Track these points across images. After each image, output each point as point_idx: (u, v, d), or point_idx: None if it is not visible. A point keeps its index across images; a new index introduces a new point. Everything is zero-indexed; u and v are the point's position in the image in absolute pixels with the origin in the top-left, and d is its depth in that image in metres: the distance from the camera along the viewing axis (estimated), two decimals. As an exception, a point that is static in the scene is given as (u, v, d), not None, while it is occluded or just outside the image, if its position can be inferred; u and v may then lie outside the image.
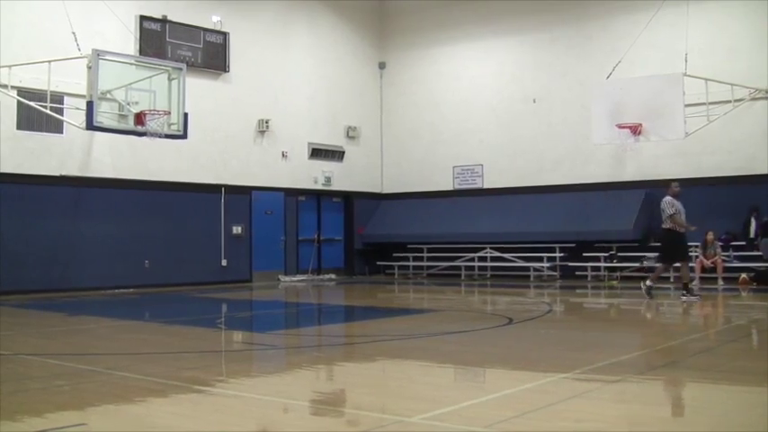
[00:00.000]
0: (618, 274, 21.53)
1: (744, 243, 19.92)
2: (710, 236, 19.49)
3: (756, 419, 5.80)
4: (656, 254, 18.03)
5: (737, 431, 5.60)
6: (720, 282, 19.23)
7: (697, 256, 19.77)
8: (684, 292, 15.38)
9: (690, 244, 16.99)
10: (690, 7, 19.45)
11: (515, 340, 10.77)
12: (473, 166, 25.23)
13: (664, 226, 15.61)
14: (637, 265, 21.19)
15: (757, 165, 20.19)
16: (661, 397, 6.91)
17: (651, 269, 20.47)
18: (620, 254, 21.68)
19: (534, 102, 24.03)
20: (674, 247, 15.69)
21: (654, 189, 21.53)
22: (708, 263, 19.47)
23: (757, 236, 19.67)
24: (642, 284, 16.18)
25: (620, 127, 19.24)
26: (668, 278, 19.08)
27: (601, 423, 5.73)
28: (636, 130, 19.13)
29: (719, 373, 7.87)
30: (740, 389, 7.11)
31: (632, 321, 14.08)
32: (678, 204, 15.45)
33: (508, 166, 24.53)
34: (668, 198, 15.51)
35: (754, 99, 20.37)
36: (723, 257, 19.52)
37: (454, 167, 25.60)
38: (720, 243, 19.80)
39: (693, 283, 19.37)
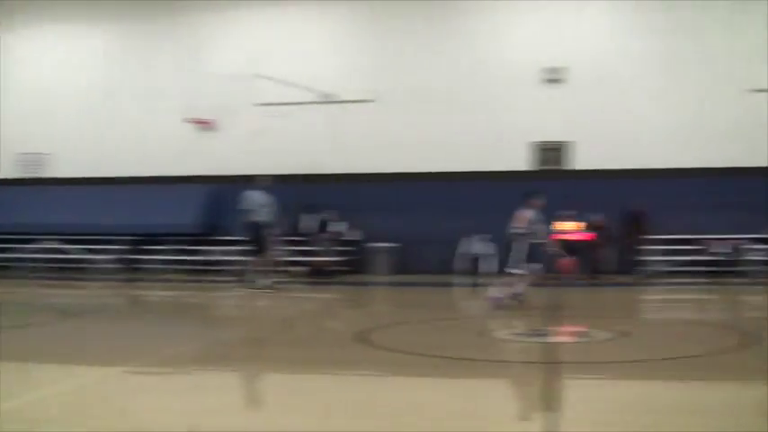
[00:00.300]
0: (181, 267, 21.61)
1: (299, 238, 20.98)
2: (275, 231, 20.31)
3: (301, 404, 6.21)
4: (248, 248, 18.15)
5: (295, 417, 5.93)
6: (280, 275, 20.03)
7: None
8: (252, 283, 15.83)
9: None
10: (267, 9, 20.15)
11: (74, 334, 10.51)
12: (40, 154, 23.97)
13: (248, 219, 15.97)
14: (200, 258, 21.50)
15: (320, 164, 21.49)
16: (214, 387, 7.09)
17: (215, 262, 20.99)
18: (183, 247, 21.80)
19: (106, 93, 23.36)
20: (256, 240, 16.09)
21: (221, 184, 22.09)
22: (271, 258, 20.25)
23: (315, 231, 20.86)
24: (257, 286, 16.31)
25: (192, 121, 19.42)
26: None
27: (155, 415, 5.80)
28: (207, 124, 19.41)
29: (270, 362, 8.32)
30: (298, 377, 7.53)
31: (192, 314, 14.29)
32: (261, 198, 15.89)
33: (81, 155, 23.44)
34: (249, 192, 15.86)
35: (321, 102, 21.64)
36: (281, 251, 20.35)
37: (19, 154, 24.13)
38: (280, 238, 20.54)
39: (258, 276, 20.16)
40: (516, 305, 12.72)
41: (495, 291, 12.99)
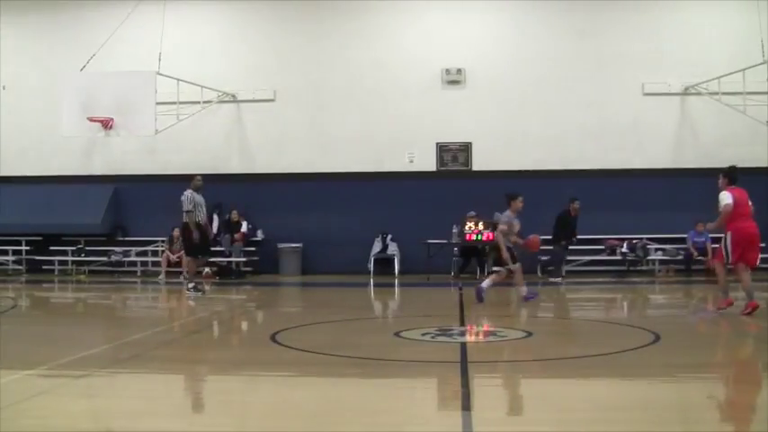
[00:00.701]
0: (86, 268, 21.29)
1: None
2: (176, 232, 20.00)
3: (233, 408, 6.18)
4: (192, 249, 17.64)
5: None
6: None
7: (163, 251, 20.38)
8: (191, 285, 15.57)
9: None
10: (166, 7, 19.79)
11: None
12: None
13: (184, 220, 15.65)
14: (104, 259, 21.21)
15: (222, 164, 21.33)
16: (126, 389, 7.02)
17: (119, 263, 20.70)
18: (87, 248, 21.47)
19: (3, 89, 22.65)
20: (191, 241, 15.72)
21: (122, 184, 21.74)
22: (174, 257, 20.07)
23: (220, 232, 20.72)
24: (186, 287, 15.85)
25: (91, 120, 19.01)
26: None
27: (67, 419, 5.72)
28: (107, 124, 19.04)
29: (181, 363, 8.27)
30: (213, 378, 7.51)
31: (100, 315, 14.06)
32: (198, 197, 15.62)
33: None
34: (187, 192, 15.56)
35: (221, 102, 21.53)
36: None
37: None
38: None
39: (160, 277, 19.90)
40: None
41: (523, 291, 13.57)
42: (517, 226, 13.63)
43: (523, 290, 13.57)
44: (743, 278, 11.50)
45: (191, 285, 15.63)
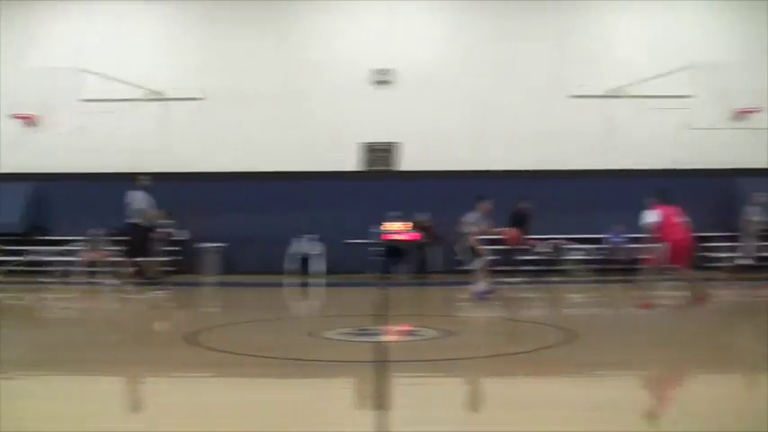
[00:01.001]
0: (2, 268, 20.75)
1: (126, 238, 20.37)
2: (98, 231, 19.72)
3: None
4: (125, 247, 17.40)
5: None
6: (109, 276, 19.45)
7: (83, 251, 20.01)
8: (149, 284, 15.33)
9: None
10: (94, 4, 19.51)
11: None
12: None
13: (130, 220, 15.28)
14: (21, 258, 20.73)
15: (147, 163, 20.95)
16: (43, 392, 6.86)
17: (36, 263, 20.24)
18: (4, 247, 20.94)
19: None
20: (139, 241, 15.42)
21: (42, 182, 21.28)
22: (97, 257, 19.70)
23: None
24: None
25: (15, 117, 18.64)
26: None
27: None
28: (31, 120, 18.68)
29: (96, 365, 8.13)
30: (127, 379, 7.39)
31: (13, 317, 13.72)
32: (147, 198, 15.30)
33: None
34: (135, 192, 15.23)
35: (148, 100, 21.24)
36: (109, 252, 19.77)
37: None
38: (108, 238, 19.84)
39: (79, 277, 19.51)
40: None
41: (480, 286, 13.99)
42: (485, 226, 14.27)
43: (479, 287, 13.98)
44: (688, 275, 12.72)
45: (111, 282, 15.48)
